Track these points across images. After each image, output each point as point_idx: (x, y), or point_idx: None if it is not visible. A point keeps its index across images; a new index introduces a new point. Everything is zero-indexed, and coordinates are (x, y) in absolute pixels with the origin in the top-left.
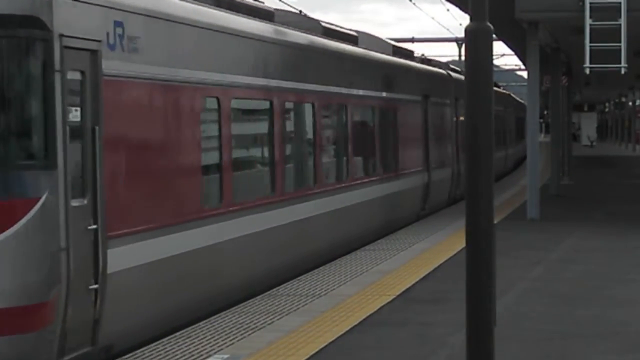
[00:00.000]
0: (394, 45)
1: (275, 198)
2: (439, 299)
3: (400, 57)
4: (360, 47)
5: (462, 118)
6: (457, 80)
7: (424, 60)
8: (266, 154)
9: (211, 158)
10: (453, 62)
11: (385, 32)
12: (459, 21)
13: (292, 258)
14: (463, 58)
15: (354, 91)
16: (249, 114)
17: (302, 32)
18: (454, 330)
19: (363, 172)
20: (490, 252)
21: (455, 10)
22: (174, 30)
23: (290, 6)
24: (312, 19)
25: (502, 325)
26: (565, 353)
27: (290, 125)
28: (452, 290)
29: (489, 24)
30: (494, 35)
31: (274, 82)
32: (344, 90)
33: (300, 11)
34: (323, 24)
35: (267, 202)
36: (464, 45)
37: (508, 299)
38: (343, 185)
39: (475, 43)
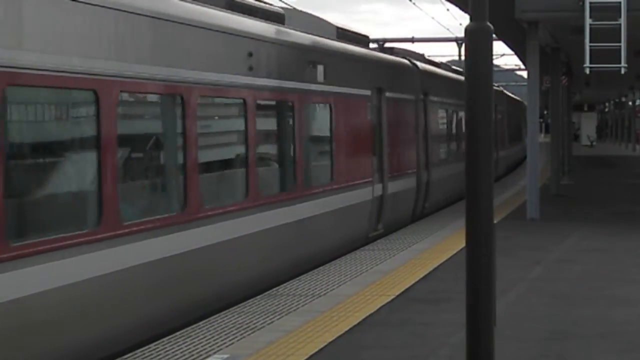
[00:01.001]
0: (339, 28)
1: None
2: (439, 299)
3: (347, 42)
4: (286, 27)
5: (440, 117)
6: (425, 72)
7: (385, 49)
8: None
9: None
10: (453, 62)
11: (385, 32)
12: (459, 21)
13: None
14: (463, 58)
15: (260, 81)
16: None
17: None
18: (454, 330)
19: (271, 188)
20: (490, 252)
21: (455, 10)
22: None
23: (289, 5)
24: None
25: (502, 325)
26: (565, 353)
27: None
28: (452, 290)
29: (489, 24)
30: (494, 35)
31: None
32: (241, 80)
33: None
34: None
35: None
36: (464, 45)
37: (508, 299)
38: (233, 209)
39: (475, 43)
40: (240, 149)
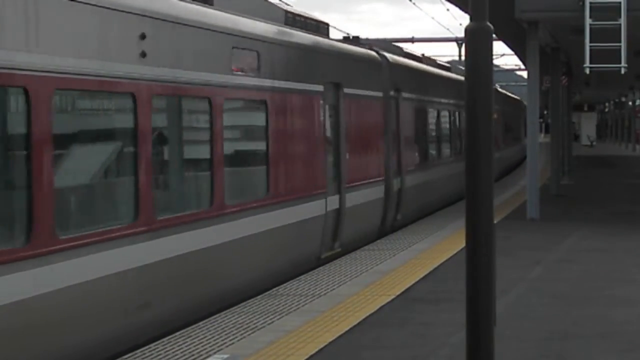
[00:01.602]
0: (289, 12)
1: None
2: (439, 298)
3: (297, 29)
4: (213, 7)
5: (418, 116)
6: (397, 66)
7: (348, 39)
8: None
9: None
10: (453, 62)
11: (385, 32)
12: (459, 21)
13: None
14: (463, 58)
15: (157, 71)
16: None
17: None
18: (454, 330)
19: (172, 207)
20: (490, 252)
21: (455, 10)
22: None
23: (288, 5)
24: None
25: (502, 325)
26: (565, 353)
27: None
28: (452, 290)
29: (489, 24)
30: (494, 35)
31: None
32: (126, 69)
33: None
34: None
35: None
36: (464, 45)
37: (508, 299)
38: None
39: (475, 43)
40: (125, 157)
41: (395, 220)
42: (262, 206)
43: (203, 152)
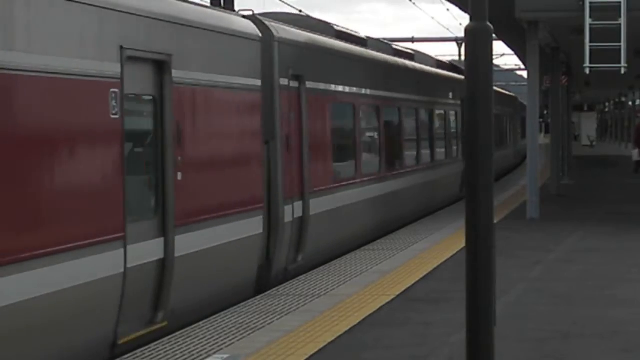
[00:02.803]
0: None
1: None
2: (439, 299)
3: None
4: None
5: (340, 117)
6: (293, 44)
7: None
8: None
9: None
10: (453, 61)
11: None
12: (459, 21)
13: None
14: (463, 58)
15: None
16: None
17: None
18: (454, 330)
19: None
20: (490, 252)
21: (455, 10)
22: None
23: (289, 5)
24: None
25: (502, 325)
26: (565, 353)
27: None
28: (452, 290)
29: (489, 24)
30: (494, 35)
31: None
32: None
33: None
34: None
35: None
36: (464, 45)
37: (508, 299)
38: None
39: (475, 43)
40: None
41: (294, 262)
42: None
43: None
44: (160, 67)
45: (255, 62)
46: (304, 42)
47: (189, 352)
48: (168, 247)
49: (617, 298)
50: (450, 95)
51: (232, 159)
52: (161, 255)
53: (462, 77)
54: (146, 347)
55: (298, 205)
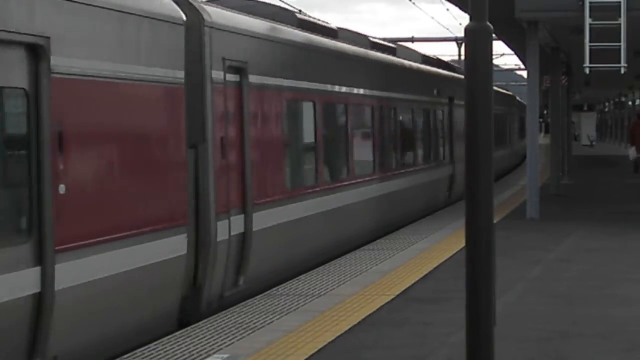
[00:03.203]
0: None
1: None
2: (439, 299)
3: None
4: None
5: (292, 114)
6: (232, 32)
7: None
8: None
9: None
10: (453, 61)
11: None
12: (459, 21)
13: None
14: (463, 58)
15: None
16: None
17: None
18: (454, 330)
19: None
20: (490, 252)
21: (455, 10)
22: None
23: (289, 5)
24: None
25: (502, 325)
26: (565, 353)
27: None
28: (452, 290)
29: (489, 24)
30: (494, 35)
31: None
32: None
33: None
34: None
35: None
36: (464, 45)
37: (508, 299)
38: None
39: (475, 43)
40: None
41: (234, 287)
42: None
43: None
44: (35, 52)
45: (177, 50)
46: (247, 29)
47: (189, 352)
48: (46, 278)
49: (617, 298)
50: (437, 93)
51: (141, 167)
52: (37, 289)
53: (452, 74)
54: (146, 347)
55: (238, 219)
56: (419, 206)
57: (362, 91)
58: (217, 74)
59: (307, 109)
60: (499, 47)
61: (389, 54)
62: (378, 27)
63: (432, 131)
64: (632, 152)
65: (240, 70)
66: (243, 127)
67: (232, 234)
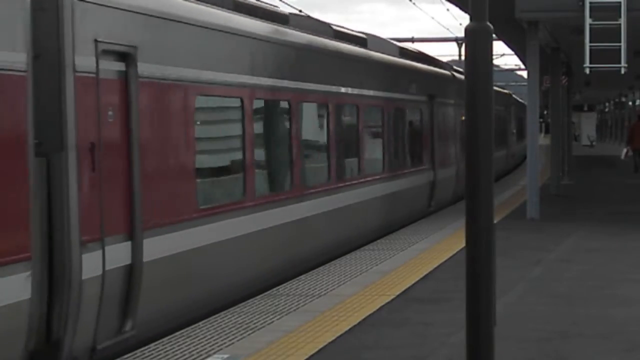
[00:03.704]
0: None
1: None
2: (439, 298)
3: None
4: None
5: (203, 113)
6: (116, 9)
7: None
8: None
9: None
10: (453, 62)
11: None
12: (459, 21)
13: None
14: (463, 58)
15: None
16: None
17: None
18: (454, 330)
19: None
20: (490, 252)
21: (455, 10)
22: None
23: (290, 5)
24: None
25: (502, 325)
26: (565, 353)
27: None
28: (452, 290)
29: (489, 24)
30: (494, 35)
31: None
32: None
33: None
34: None
35: None
36: (464, 45)
37: (508, 299)
38: None
39: (475, 43)
40: None
41: (118, 334)
42: None
43: None
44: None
45: (14, 27)
46: (137, 5)
47: (189, 352)
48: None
49: (617, 298)
50: (415, 90)
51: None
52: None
53: (435, 69)
54: (146, 347)
55: (121, 248)
56: (394, 217)
57: (311, 86)
58: (85, 60)
59: (229, 107)
60: (499, 47)
61: (358, 45)
62: (378, 27)
63: (406, 133)
64: (623, 152)
65: (125, 56)
66: (130, 130)
67: (109, 267)
